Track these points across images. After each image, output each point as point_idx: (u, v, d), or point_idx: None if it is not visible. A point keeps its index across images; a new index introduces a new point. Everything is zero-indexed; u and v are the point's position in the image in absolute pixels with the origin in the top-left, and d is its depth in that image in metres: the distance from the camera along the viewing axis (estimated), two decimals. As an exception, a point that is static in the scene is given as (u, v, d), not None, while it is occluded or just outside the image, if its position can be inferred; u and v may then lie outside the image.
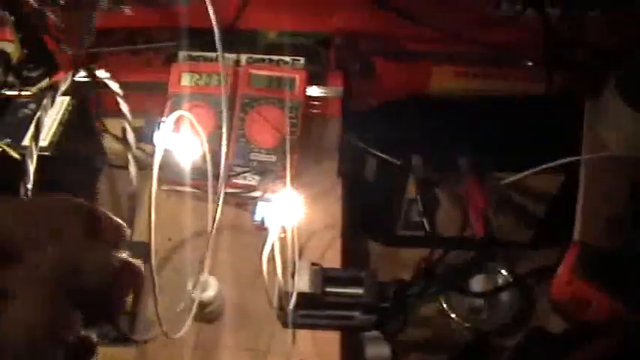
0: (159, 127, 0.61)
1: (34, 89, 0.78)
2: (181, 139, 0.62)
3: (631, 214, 0.76)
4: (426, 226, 0.81)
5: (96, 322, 0.34)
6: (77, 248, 0.33)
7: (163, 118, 0.63)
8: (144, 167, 0.81)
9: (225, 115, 0.62)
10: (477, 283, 0.88)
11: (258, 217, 0.68)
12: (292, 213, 0.69)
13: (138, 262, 0.37)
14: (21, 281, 0.31)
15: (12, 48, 0.91)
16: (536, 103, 0.87)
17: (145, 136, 0.66)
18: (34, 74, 0.88)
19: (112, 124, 0.86)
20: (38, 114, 0.58)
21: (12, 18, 0.84)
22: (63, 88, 0.61)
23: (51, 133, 0.75)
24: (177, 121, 0.80)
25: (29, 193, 0.52)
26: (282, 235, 0.67)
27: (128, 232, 0.39)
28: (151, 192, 0.44)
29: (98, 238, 0.35)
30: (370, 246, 0.91)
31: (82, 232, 0.34)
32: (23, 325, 0.30)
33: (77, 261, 0.32)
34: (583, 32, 0.84)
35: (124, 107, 0.74)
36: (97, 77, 0.68)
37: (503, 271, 0.89)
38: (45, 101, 0.57)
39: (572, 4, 0.82)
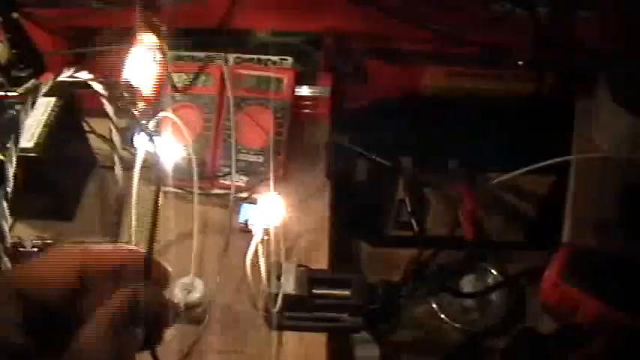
0: (141, 131, 0.61)
1: (20, 90, 0.77)
2: (164, 141, 0.62)
3: (620, 216, 0.76)
4: (415, 226, 0.80)
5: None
6: (137, 286, 0.40)
7: (144, 122, 0.62)
8: (130, 167, 0.81)
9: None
10: (468, 284, 0.88)
11: (242, 219, 0.67)
12: (277, 214, 0.68)
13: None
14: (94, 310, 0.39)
15: (0, 48, 0.90)
16: (527, 103, 0.86)
17: (126, 139, 0.65)
18: (23, 74, 0.87)
19: (101, 125, 0.86)
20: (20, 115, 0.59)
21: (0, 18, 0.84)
22: (44, 89, 0.61)
23: (37, 134, 0.74)
24: (165, 122, 0.81)
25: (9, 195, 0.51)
26: (266, 237, 0.67)
27: (171, 275, 0.45)
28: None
29: (151, 278, 0.41)
30: (359, 247, 0.91)
31: (140, 273, 0.41)
32: (98, 344, 0.38)
33: (137, 297, 0.40)
34: (573, 32, 0.83)
35: (109, 108, 0.74)
36: (81, 78, 0.68)
37: (494, 272, 0.88)
38: (26, 103, 0.57)
39: (562, 3, 0.82)
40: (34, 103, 0.60)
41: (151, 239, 0.44)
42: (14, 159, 0.55)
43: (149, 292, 0.41)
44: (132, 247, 0.45)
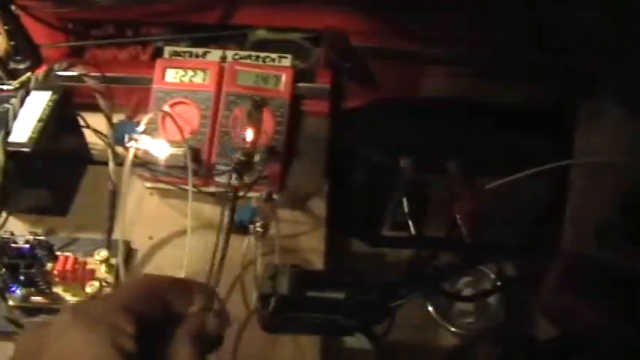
0: (133, 130, 0.60)
1: (16, 83, 0.76)
2: (155, 140, 0.61)
3: (621, 223, 0.75)
4: (412, 228, 0.79)
5: None
6: (202, 312, 0.49)
7: (136, 121, 0.62)
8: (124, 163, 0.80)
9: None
10: (465, 287, 0.87)
11: (237, 219, 0.66)
12: (273, 214, 0.67)
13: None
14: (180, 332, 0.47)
15: (-2, 41, 0.90)
16: (528, 105, 0.85)
17: (118, 139, 0.64)
18: (21, 66, 0.87)
19: (96, 119, 0.85)
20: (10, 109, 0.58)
21: (-2, 9, 0.83)
22: (36, 82, 0.60)
23: (31, 128, 0.73)
24: (162, 117, 0.80)
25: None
26: (262, 237, 0.66)
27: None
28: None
29: (212, 305, 0.50)
30: (356, 246, 0.90)
31: (204, 301, 0.49)
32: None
33: (204, 320, 0.48)
34: (576, 33, 0.82)
35: (103, 103, 0.73)
36: (77, 74, 0.67)
37: (492, 275, 0.87)
38: (15, 98, 0.56)
39: (564, 3, 0.81)
40: (26, 96, 0.59)
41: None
42: (2, 154, 0.54)
43: (214, 319, 0.50)
44: (197, 280, 0.54)
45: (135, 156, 0.73)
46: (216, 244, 0.64)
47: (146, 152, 0.70)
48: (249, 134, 0.69)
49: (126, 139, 0.62)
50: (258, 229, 0.64)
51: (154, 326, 0.46)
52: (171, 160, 0.76)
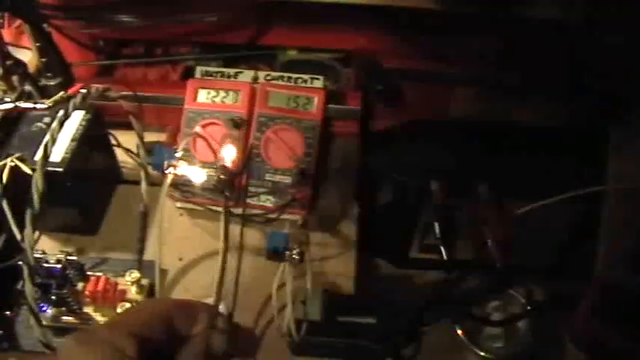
0: (171, 156, 0.60)
1: (49, 102, 0.76)
2: (193, 167, 0.61)
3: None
4: (444, 252, 0.79)
5: None
6: (207, 332, 0.49)
7: (175, 148, 0.62)
8: (156, 183, 0.80)
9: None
10: (494, 310, 0.86)
11: (271, 246, 0.66)
12: (307, 239, 0.67)
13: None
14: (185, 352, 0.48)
15: (29, 57, 0.90)
16: (560, 129, 0.85)
17: (156, 166, 0.64)
18: (51, 83, 0.87)
19: (126, 138, 0.85)
20: (49, 131, 0.58)
21: (30, 27, 0.83)
22: (76, 104, 0.60)
23: (64, 148, 0.74)
24: (193, 138, 0.80)
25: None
26: (297, 263, 0.65)
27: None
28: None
29: (218, 324, 0.50)
30: (383, 268, 0.89)
31: (208, 320, 0.49)
32: None
33: (209, 340, 0.49)
34: (609, 57, 0.81)
35: (136, 125, 0.73)
36: (112, 97, 0.68)
37: (521, 299, 0.86)
38: (55, 121, 0.56)
39: (597, 27, 0.80)
40: (65, 119, 0.59)
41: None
42: (40, 179, 0.54)
43: (218, 337, 0.50)
44: (205, 303, 0.53)
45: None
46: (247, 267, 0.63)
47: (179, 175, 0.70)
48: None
49: (165, 166, 0.61)
50: (295, 256, 0.64)
51: (159, 349, 0.46)
52: (205, 182, 0.76)
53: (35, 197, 0.55)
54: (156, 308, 0.49)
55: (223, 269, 0.58)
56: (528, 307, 0.85)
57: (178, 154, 0.61)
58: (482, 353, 0.83)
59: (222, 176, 0.66)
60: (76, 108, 0.61)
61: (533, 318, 0.85)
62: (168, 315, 0.48)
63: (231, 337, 0.51)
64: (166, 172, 0.61)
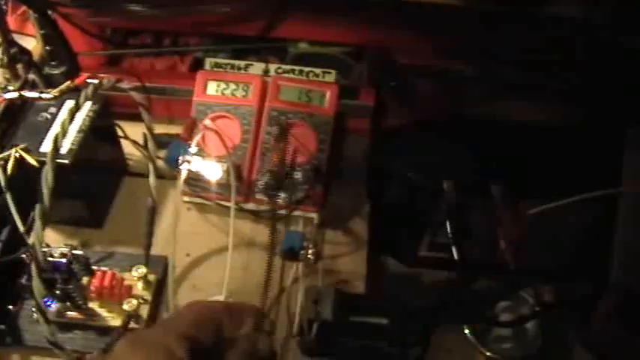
0: (185, 152, 0.59)
1: (55, 92, 0.74)
2: (207, 162, 0.59)
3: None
4: (455, 251, 0.77)
5: None
6: (253, 333, 0.51)
7: (190, 143, 0.61)
8: (163, 176, 0.78)
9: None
10: (503, 312, 0.85)
11: (287, 245, 0.64)
12: (321, 239, 0.66)
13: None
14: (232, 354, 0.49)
15: (34, 44, 0.88)
16: (575, 130, 0.84)
17: (170, 161, 0.63)
18: (56, 71, 0.86)
19: (133, 129, 0.83)
20: (59, 123, 0.56)
21: (35, 14, 0.81)
22: (82, 99, 0.59)
23: (71, 140, 0.72)
24: (203, 131, 0.78)
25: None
26: (313, 263, 0.64)
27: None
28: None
29: (262, 326, 0.52)
30: (392, 266, 0.88)
31: (255, 323, 0.52)
32: None
33: (255, 341, 0.51)
34: (626, 57, 0.80)
35: (146, 117, 0.72)
36: (123, 89, 0.66)
37: (530, 301, 0.85)
38: (65, 112, 0.55)
39: (616, 26, 0.79)
40: (77, 111, 0.57)
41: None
42: (51, 173, 0.52)
43: (265, 339, 0.52)
44: (251, 305, 0.55)
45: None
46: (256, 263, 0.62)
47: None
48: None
49: (180, 161, 0.60)
50: (310, 256, 0.63)
51: (208, 350, 0.48)
52: (214, 176, 0.74)
53: (45, 192, 0.53)
54: (204, 310, 0.51)
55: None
56: (537, 309, 0.84)
57: (193, 150, 0.59)
58: (489, 354, 0.83)
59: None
60: (87, 99, 0.59)
61: (542, 320, 0.84)
62: (216, 317, 0.50)
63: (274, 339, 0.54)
64: (181, 167, 0.59)
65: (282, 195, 0.77)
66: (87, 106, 0.76)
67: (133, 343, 0.47)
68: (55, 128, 0.74)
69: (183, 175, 0.60)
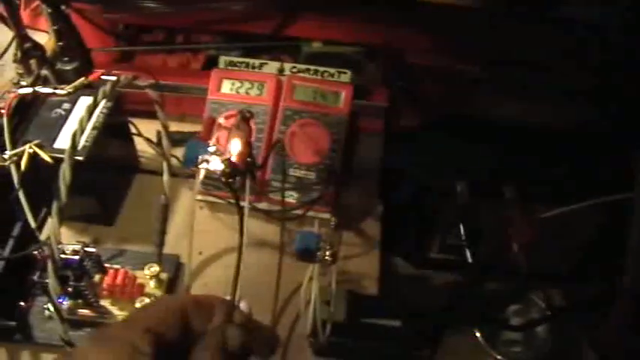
0: (204, 151, 0.58)
1: (69, 88, 0.74)
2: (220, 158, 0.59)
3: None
4: (468, 254, 0.77)
5: None
6: (223, 324, 0.49)
7: (208, 142, 0.60)
8: (176, 174, 0.78)
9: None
10: (513, 315, 0.85)
11: (299, 247, 0.64)
12: (338, 240, 0.66)
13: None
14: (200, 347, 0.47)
15: (46, 40, 0.88)
16: (588, 133, 0.83)
17: (189, 160, 0.62)
18: (67, 67, 0.85)
19: (146, 126, 0.83)
20: (77, 120, 0.56)
21: (47, 9, 0.81)
22: (100, 96, 0.58)
23: (85, 137, 0.72)
24: (215, 129, 0.78)
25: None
26: (330, 264, 0.64)
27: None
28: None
29: (235, 319, 0.50)
30: (401, 268, 0.88)
31: (226, 315, 0.49)
32: None
33: (224, 332, 0.48)
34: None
35: (161, 114, 0.71)
36: (139, 86, 0.66)
37: (541, 304, 0.85)
38: (82, 110, 0.54)
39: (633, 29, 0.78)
40: (95, 109, 0.57)
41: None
42: (68, 170, 0.52)
43: (234, 331, 0.48)
44: (222, 298, 0.52)
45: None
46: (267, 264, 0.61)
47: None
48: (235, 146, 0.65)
49: (199, 160, 0.59)
50: (327, 257, 0.62)
51: (175, 345, 0.46)
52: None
53: (63, 189, 0.53)
54: (171, 304, 0.49)
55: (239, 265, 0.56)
56: (548, 313, 0.84)
57: (212, 149, 0.58)
58: (500, 357, 0.82)
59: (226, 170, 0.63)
60: (105, 96, 0.59)
61: (552, 323, 0.84)
62: (183, 311, 0.48)
63: (251, 335, 0.50)
64: (200, 167, 0.59)
65: (295, 195, 0.77)
66: (101, 103, 0.75)
67: (97, 339, 0.45)
68: (71, 125, 0.73)
69: (202, 174, 0.60)
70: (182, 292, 0.72)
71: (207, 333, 0.48)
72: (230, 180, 0.59)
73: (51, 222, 0.53)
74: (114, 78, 0.65)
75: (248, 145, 0.63)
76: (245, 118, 0.66)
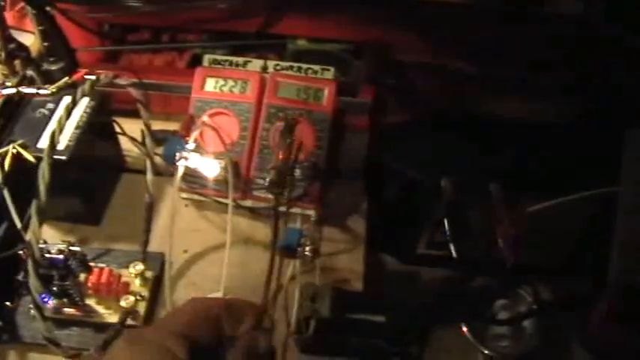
0: (182, 148, 0.58)
1: (53, 88, 0.74)
2: (204, 159, 0.59)
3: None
4: (453, 251, 0.77)
5: None
6: (253, 331, 0.50)
7: (187, 139, 0.60)
8: (161, 173, 0.78)
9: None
10: (501, 309, 0.85)
11: (285, 242, 0.64)
12: (319, 236, 0.66)
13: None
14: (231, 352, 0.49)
15: (32, 40, 0.88)
16: (574, 128, 0.83)
17: (167, 157, 0.62)
18: (54, 67, 0.85)
19: (130, 125, 0.83)
20: (56, 119, 0.56)
21: (32, 10, 0.81)
22: (79, 95, 0.58)
23: (68, 136, 0.72)
24: (202, 127, 0.78)
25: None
26: (310, 260, 0.64)
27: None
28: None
29: (262, 323, 0.51)
30: (389, 264, 0.88)
31: (256, 320, 0.51)
32: None
33: (256, 339, 0.50)
34: (625, 55, 0.80)
35: (144, 113, 0.71)
36: (120, 85, 0.66)
37: (528, 298, 0.85)
38: (62, 109, 0.54)
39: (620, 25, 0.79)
40: (73, 107, 0.57)
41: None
42: (47, 170, 0.52)
43: (264, 337, 0.51)
44: (251, 302, 0.54)
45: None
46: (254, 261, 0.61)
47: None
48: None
49: (177, 157, 0.60)
50: (307, 253, 0.62)
51: (207, 349, 0.47)
52: (211, 172, 0.74)
53: (42, 188, 0.53)
54: (203, 308, 0.50)
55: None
56: (534, 307, 0.84)
57: (190, 146, 0.59)
58: (487, 352, 0.82)
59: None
60: (84, 95, 0.59)
61: (539, 318, 0.84)
62: (215, 315, 0.49)
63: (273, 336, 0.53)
64: (178, 164, 0.59)
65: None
66: (84, 103, 0.76)
67: (132, 343, 0.46)
68: (53, 124, 0.73)
69: (181, 171, 0.60)
70: (166, 291, 0.72)
71: (237, 337, 0.49)
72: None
73: (31, 221, 0.52)
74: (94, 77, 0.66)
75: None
76: (290, 125, 0.67)
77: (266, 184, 0.70)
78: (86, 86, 0.59)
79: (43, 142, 0.72)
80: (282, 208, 0.75)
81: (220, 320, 0.49)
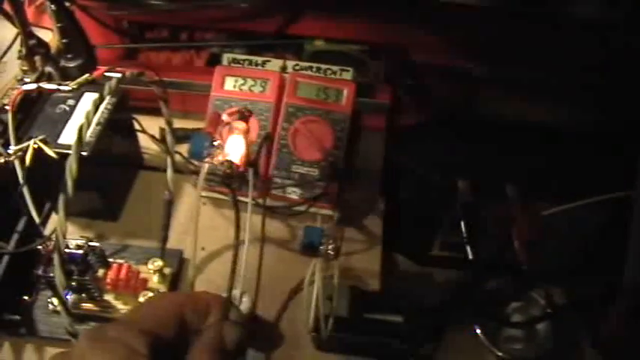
0: (210, 146, 0.59)
1: (74, 84, 0.75)
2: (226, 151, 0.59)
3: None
4: (469, 252, 0.78)
5: None
6: (219, 322, 0.49)
7: (216, 137, 0.61)
8: (180, 170, 0.78)
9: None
10: (514, 312, 0.85)
11: (307, 240, 0.64)
12: (341, 236, 0.66)
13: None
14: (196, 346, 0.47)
15: (51, 37, 0.88)
16: (590, 132, 0.84)
17: (195, 154, 0.62)
18: (71, 64, 0.85)
19: (149, 122, 0.84)
20: (84, 114, 0.56)
21: (52, 6, 0.81)
22: (107, 92, 0.59)
23: (89, 132, 0.72)
24: (219, 124, 0.78)
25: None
26: (332, 259, 0.64)
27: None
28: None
29: (229, 315, 0.50)
30: (403, 264, 0.88)
31: (220, 313, 0.49)
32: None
33: (222, 331, 0.48)
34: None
35: (165, 111, 0.72)
36: (145, 82, 0.66)
37: (541, 301, 0.86)
38: (88, 104, 0.55)
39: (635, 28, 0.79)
40: (100, 103, 0.57)
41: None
42: (75, 164, 0.52)
43: (231, 329, 0.49)
44: (213, 293, 0.52)
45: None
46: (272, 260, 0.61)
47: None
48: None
49: (204, 154, 0.60)
50: (330, 252, 0.63)
51: (172, 344, 0.46)
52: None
53: (69, 183, 0.53)
54: (166, 304, 0.49)
55: (235, 261, 0.57)
56: (548, 310, 0.84)
57: (217, 143, 0.59)
58: (500, 354, 0.83)
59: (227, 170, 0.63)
60: (110, 92, 0.59)
61: (553, 320, 0.84)
62: (179, 310, 0.48)
63: (250, 331, 0.50)
64: (205, 161, 0.59)
65: (298, 191, 0.77)
66: (105, 100, 0.76)
67: (93, 340, 0.44)
68: (75, 120, 0.74)
69: (206, 168, 0.60)
70: (185, 288, 0.73)
71: (203, 331, 0.48)
72: (230, 181, 0.59)
73: (57, 215, 0.52)
74: (119, 75, 0.66)
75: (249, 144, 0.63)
76: (244, 117, 0.66)
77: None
78: (113, 83, 0.59)
79: (64, 138, 0.72)
80: (300, 208, 0.76)
81: (185, 314, 0.48)
